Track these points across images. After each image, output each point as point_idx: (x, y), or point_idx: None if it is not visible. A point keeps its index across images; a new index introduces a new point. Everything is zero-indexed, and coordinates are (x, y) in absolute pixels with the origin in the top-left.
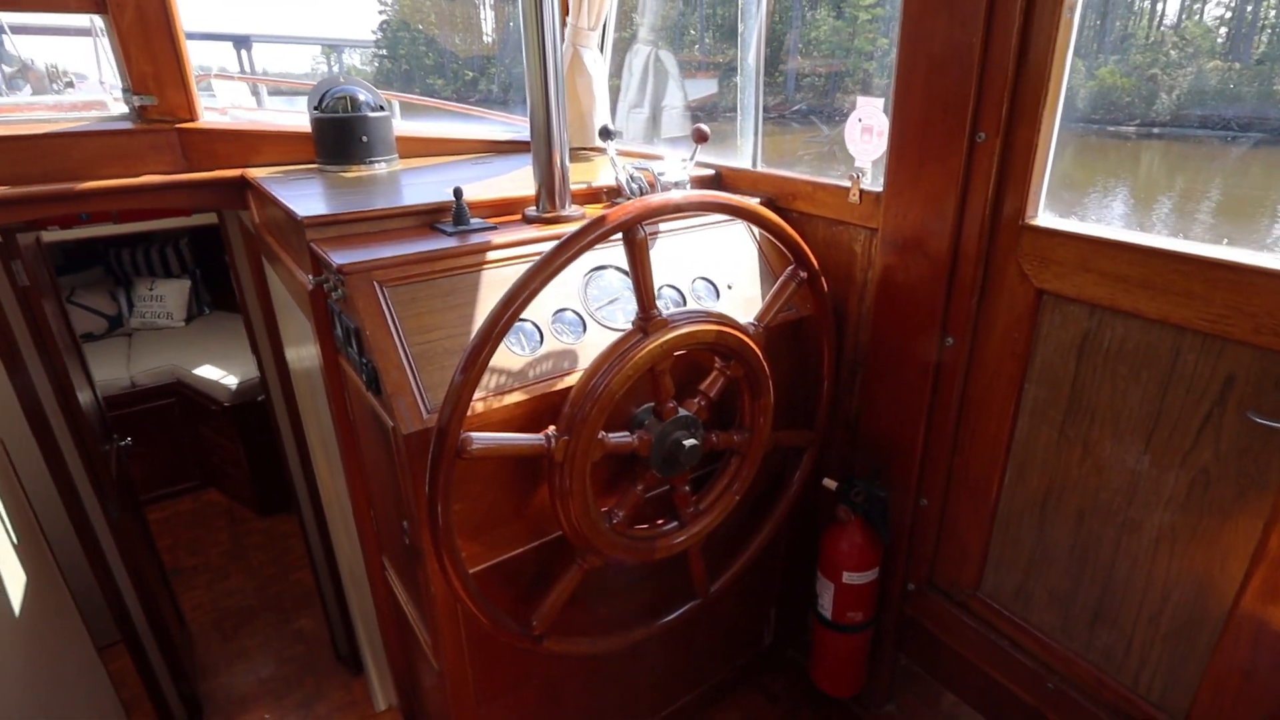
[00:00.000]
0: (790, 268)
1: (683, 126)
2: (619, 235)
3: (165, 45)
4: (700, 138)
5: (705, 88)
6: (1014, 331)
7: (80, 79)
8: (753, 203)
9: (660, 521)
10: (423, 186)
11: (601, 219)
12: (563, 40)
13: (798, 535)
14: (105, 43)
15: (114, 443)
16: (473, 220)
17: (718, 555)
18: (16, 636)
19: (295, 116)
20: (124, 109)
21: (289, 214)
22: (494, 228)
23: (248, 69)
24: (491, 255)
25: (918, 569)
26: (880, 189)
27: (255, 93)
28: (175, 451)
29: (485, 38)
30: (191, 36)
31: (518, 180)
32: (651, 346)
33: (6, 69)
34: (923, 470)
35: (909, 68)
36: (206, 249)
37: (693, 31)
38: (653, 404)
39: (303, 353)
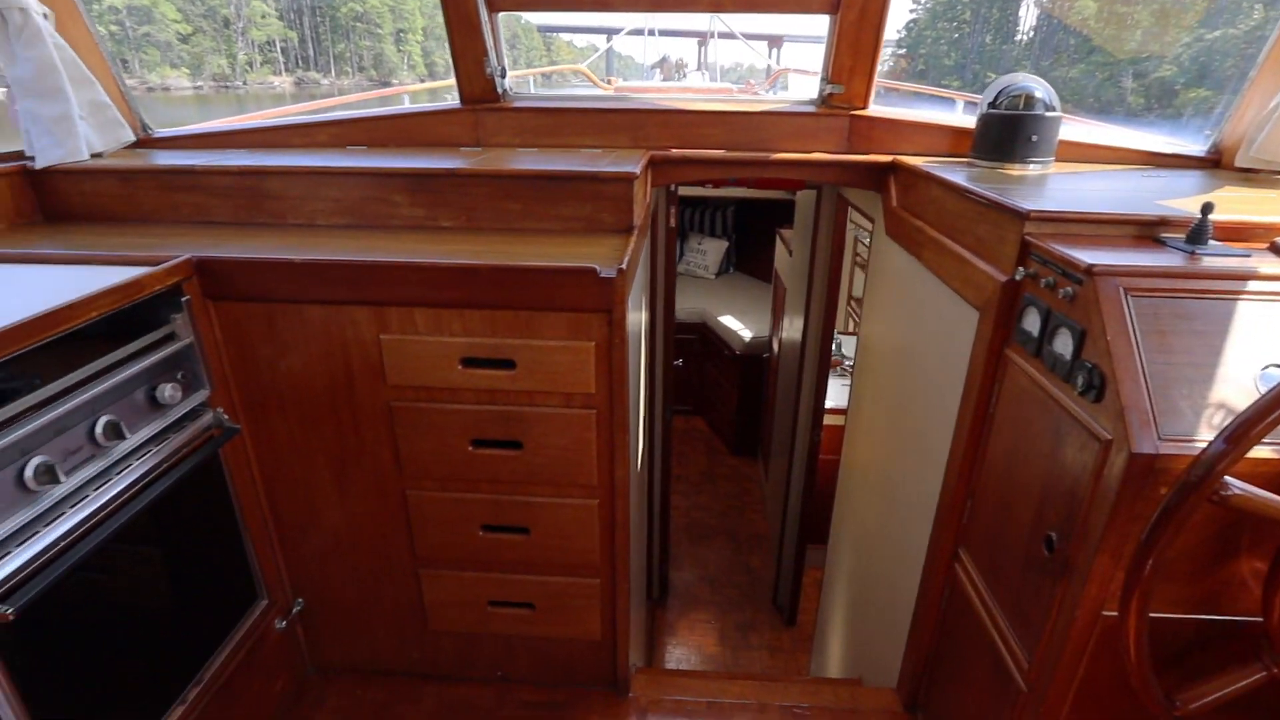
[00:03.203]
0: None
1: None
2: None
3: (869, 43)
4: None
5: None
6: None
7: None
8: None
9: None
10: (1101, 193)
11: None
12: None
13: None
14: (711, 44)
15: (674, 361)
16: (1211, 243)
17: None
18: (631, 484)
19: (939, 113)
20: (803, 97)
21: (998, 205)
22: (1247, 254)
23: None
24: (1253, 286)
25: None
26: None
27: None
28: (687, 380)
29: (1019, 36)
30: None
31: (1227, 201)
32: None
33: (649, 61)
34: None
35: None
36: (742, 219)
37: None
38: None
39: (911, 331)
